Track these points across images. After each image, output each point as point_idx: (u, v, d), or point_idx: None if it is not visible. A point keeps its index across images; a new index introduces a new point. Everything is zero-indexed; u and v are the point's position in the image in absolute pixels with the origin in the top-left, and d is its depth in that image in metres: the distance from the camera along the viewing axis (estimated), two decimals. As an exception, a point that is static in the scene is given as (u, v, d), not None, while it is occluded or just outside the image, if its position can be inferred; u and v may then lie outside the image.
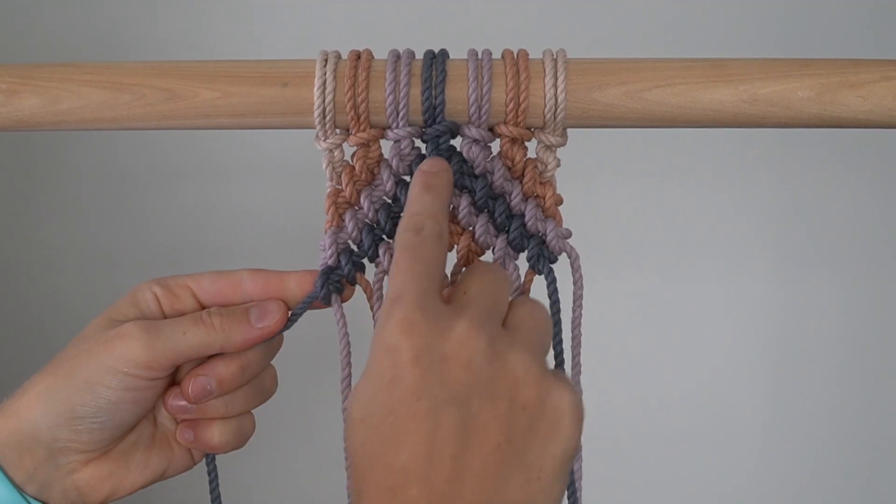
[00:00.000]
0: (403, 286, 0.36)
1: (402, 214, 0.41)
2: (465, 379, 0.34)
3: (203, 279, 0.44)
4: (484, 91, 0.43)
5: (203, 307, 0.44)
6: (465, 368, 0.34)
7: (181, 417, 0.44)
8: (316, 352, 0.84)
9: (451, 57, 0.44)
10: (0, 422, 0.40)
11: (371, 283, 0.45)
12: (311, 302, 0.44)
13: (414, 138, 0.44)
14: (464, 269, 0.44)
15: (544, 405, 0.35)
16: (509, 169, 0.45)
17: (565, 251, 0.45)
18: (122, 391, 0.41)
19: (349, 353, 0.45)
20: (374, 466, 0.34)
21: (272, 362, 0.47)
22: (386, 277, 0.45)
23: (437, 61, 0.43)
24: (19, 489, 0.40)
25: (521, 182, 0.45)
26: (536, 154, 0.45)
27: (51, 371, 0.41)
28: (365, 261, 0.45)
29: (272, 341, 0.45)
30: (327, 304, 0.45)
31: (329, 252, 0.44)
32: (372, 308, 0.45)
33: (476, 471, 0.33)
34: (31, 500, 0.41)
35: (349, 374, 0.45)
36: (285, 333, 0.45)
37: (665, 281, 0.92)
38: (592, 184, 0.88)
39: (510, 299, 0.40)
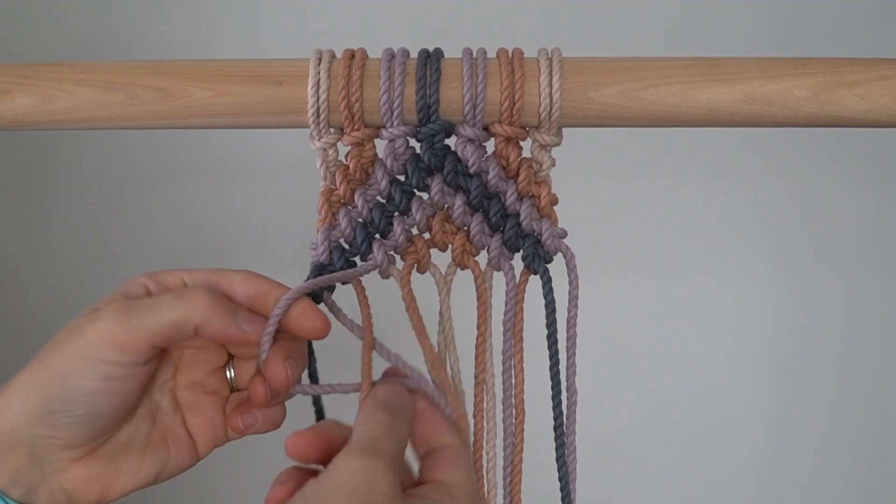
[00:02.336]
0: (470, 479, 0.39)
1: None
2: None
3: (196, 276, 0.42)
4: (478, 90, 0.43)
5: None
6: None
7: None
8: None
9: (445, 56, 0.44)
10: None
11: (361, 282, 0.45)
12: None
13: (408, 137, 0.44)
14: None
15: None
16: (504, 168, 0.45)
17: (561, 251, 0.45)
18: (97, 381, 0.38)
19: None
20: None
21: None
22: (377, 274, 0.45)
23: (431, 60, 0.43)
24: (3, 494, 0.39)
25: (515, 181, 0.45)
26: (531, 153, 0.45)
27: (30, 367, 0.40)
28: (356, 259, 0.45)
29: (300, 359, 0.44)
30: (318, 301, 0.44)
31: (321, 249, 0.44)
32: (361, 305, 0.45)
33: None
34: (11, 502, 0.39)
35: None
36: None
37: (662, 281, 0.91)
38: (588, 183, 0.88)
39: None
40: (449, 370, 0.45)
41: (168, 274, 0.43)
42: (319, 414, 0.49)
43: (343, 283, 0.45)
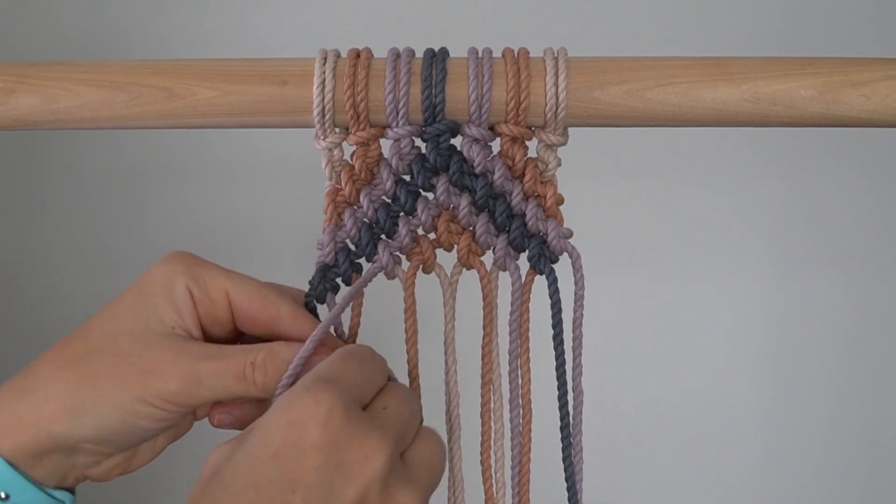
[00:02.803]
0: (340, 375, 0.36)
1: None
2: (353, 499, 0.32)
3: (240, 292, 0.41)
4: (484, 90, 0.43)
5: (234, 322, 0.42)
6: (357, 488, 0.32)
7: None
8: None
9: (451, 55, 0.44)
10: (16, 431, 0.38)
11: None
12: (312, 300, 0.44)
13: (414, 137, 0.44)
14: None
15: None
16: (510, 168, 0.45)
17: (566, 251, 0.45)
18: (153, 421, 0.39)
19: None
20: None
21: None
22: (382, 274, 0.45)
23: (437, 60, 0.43)
24: (40, 484, 0.39)
25: (521, 181, 0.45)
26: (537, 153, 0.45)
27: (75, 380, 0.39)
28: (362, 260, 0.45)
29: None
30: (322, 301, 0.44)
31: (327, 250, 0.44)
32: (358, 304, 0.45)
33: None
34: (50, 491, 0.40)
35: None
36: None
37: (666, 281, 0.91)
38: (593, 183, 0.88)
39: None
40: (445, 370, 0.45)
41: (209, 279, 0.41)
42: None
43: (345, 283, 0.45)
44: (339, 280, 0.45)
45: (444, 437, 0.42)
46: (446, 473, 0.43)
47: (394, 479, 0.34)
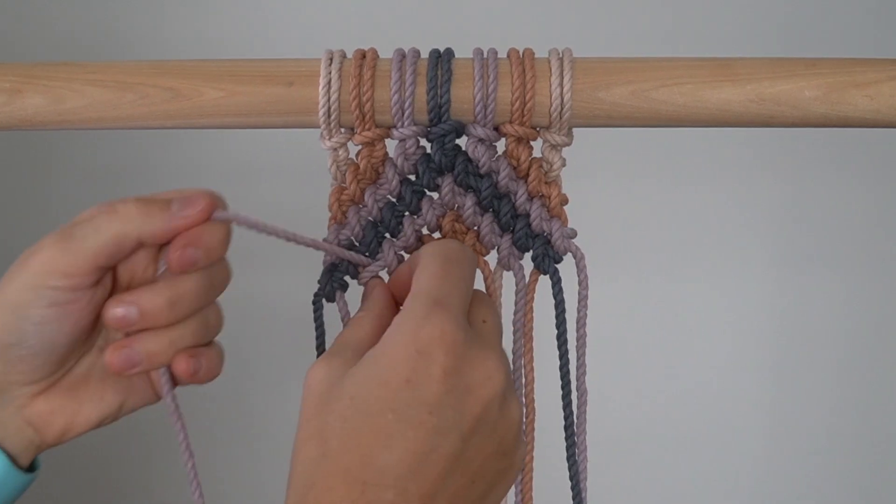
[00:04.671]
0: (449, 294, 0.37)
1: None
2: (478, 415, 0.35)
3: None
4: (489, 90, 0.43)
5: None
6: (482, 405, 0.36)
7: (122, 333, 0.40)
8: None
9: (456, 56, 0.44)
10: None
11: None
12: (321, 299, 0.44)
13: (419, 137, 0.44)
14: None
15: (515, 457, 0.37)
16: (515, 168, 0.45)
17: (570, 251, 0.45)
18: (45, 308, 0.38)
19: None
20: (347, 451, 0.34)
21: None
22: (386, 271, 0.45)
23: (442, 60, 0.43)
24: None
25: (526, 181, 0.45)
26: (542, 153, 0.45)
27: None
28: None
29: (213, 274, 0.40)
30: (331, 300, 0.45)
31: (332, 249, 0.44)
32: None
33: (448, 498, 0.35)
34: None
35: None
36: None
37: (667, 281, 0.91)
38: (598, 184, 0.88)
39: None
40: None
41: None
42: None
43: (352, 278, 0.45)
44: (346, 278, 0.45)
45: None
46: None
47: (508, 393, 0.37)
